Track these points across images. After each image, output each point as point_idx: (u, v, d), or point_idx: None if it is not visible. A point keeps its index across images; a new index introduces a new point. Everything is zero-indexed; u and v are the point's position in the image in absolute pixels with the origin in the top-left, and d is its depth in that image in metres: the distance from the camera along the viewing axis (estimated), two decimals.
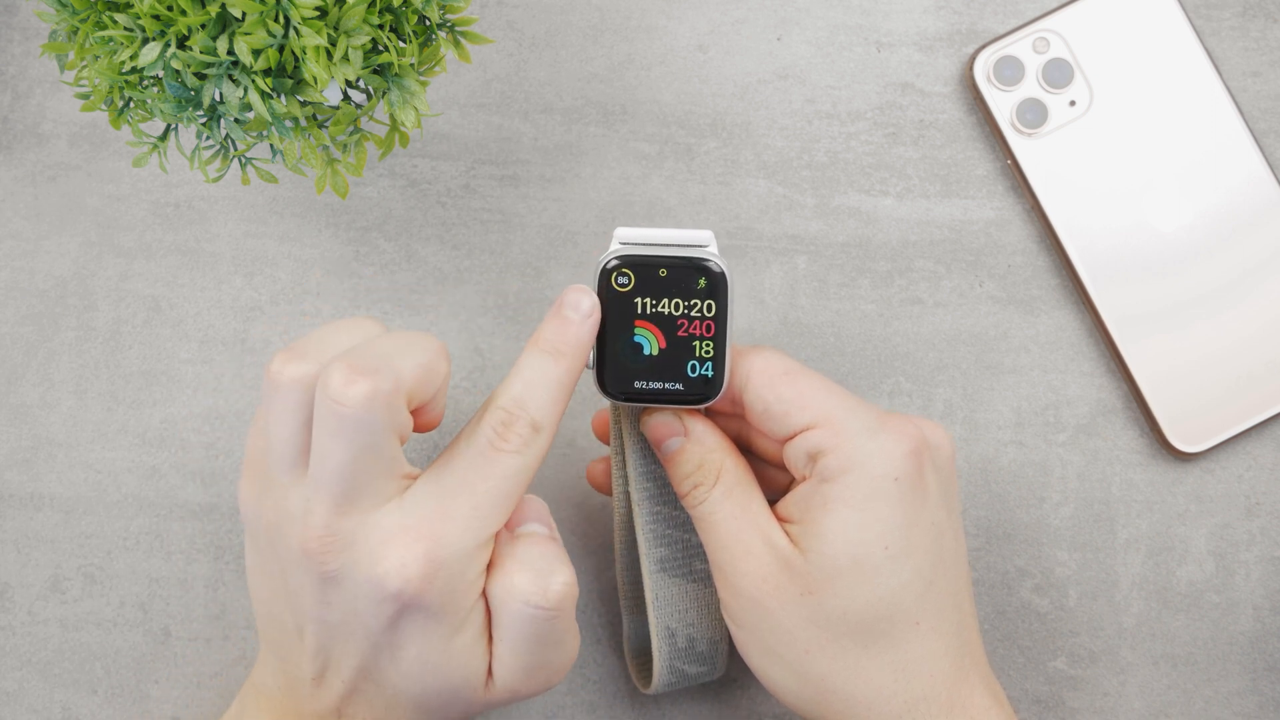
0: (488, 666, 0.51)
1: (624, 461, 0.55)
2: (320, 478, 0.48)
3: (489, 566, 0.50)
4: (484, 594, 0.50)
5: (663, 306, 0.51)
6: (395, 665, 0.50)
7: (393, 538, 0.48)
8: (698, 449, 0.52)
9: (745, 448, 0.55)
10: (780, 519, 0.52)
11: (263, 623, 0.53)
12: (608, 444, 0.58)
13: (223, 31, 0.48)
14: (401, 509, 0.49)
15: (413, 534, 0.48)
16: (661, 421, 0.53)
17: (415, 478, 0.50)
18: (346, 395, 0.47)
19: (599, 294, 0.51)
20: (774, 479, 0.55)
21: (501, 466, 0.49)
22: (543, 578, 0.50)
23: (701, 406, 0.52)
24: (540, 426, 0.50)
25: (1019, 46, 0.63)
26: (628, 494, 0.56)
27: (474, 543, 0.49)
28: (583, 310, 0.51)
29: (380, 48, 0.50)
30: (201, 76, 0.49)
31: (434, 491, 0.49)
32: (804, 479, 0.52)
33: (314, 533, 0.49)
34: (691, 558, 0.55)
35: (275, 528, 0.50)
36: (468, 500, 0.49)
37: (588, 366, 0.52)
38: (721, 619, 0.56)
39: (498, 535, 0.51)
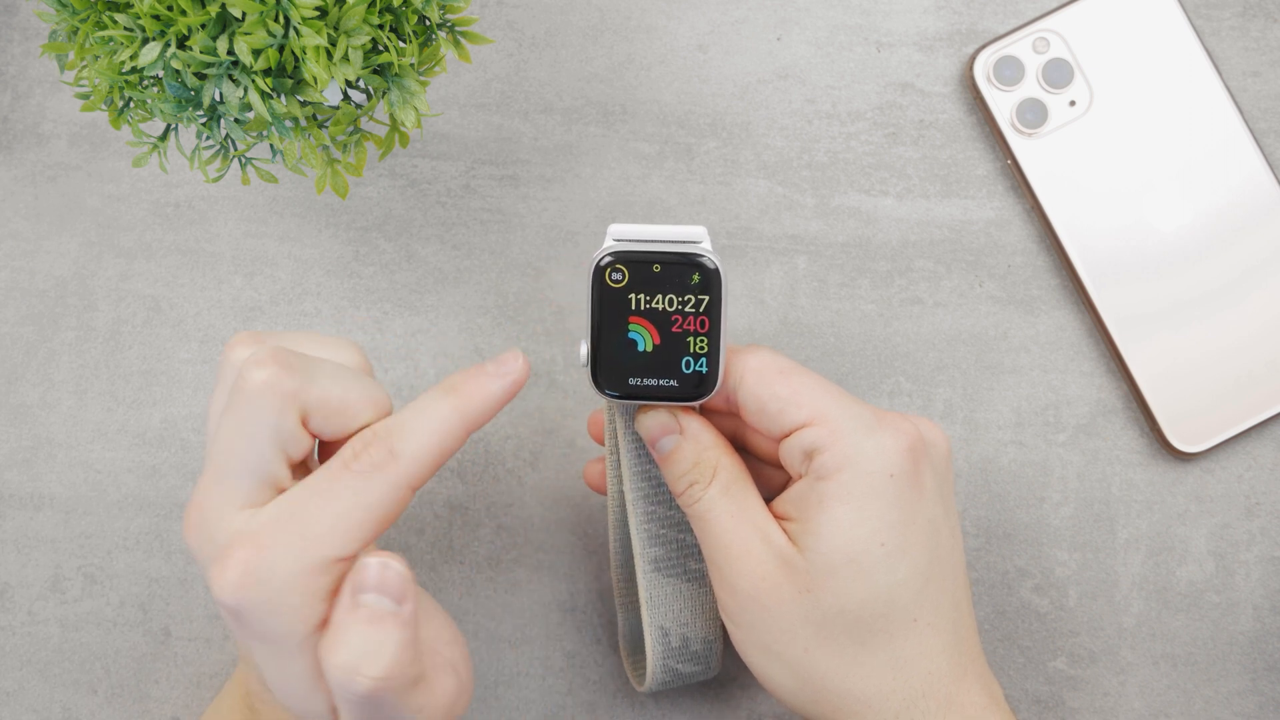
0: (332, 708, 0.48)
1: (619, 461, 0.55)
2: (208, 452, 0.48)
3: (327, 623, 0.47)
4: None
5: (657, 302, 0.51)
6: (260, 669, 0.48)
7: (228, 543, 0.46)
8: (693, 447, 0.52)
9: (740, 446, 0.55)
10: (777, 517, 0.52)
11: None
12: (604, 445, 0.58)
13: (223, 31, 0.48)
14: (247, 517, 0.47)
15: (240, 543, 0.46)
16: (657, 420, 0.53)
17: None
18: (249, 374, 0.46)
19: (594, 290, 0.51)
20: (770, 477, 0.55)
21: (345, 487, 0.46)
22: (354, 665, 0.45)
23: (696, 404, 0.52)
24: (398, 454, 0.47)
25: (1019, 46, 0.63)
26: (622, 493, 0.56)
27: (297, 564, 0.45)
28: (503, 366, 0.49)
29: (380, 48, 0.50)
30: (201, 76, 0.49)
31: (279, 505, 0.47)
32: (800, 477, 0.52)
33: (190, 503, 0.48)
34: (686, 557, 0.55)
35: None
36: (300, 518, 0.46)
37: (582, 365, 0.52)
38: (716, 618, 0.56)
39: (341, 589, 0.46)
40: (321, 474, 0.47)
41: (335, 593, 0.46)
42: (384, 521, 0.47)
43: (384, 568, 0.46)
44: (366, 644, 0.45)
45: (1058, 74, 0.63)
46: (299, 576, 0.46)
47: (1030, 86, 0.63)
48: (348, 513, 0.46)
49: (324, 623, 0.46)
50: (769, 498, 0.53)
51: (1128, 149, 0.63)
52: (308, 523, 0.46)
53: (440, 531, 0.62)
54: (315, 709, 0.48)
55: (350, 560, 0.46)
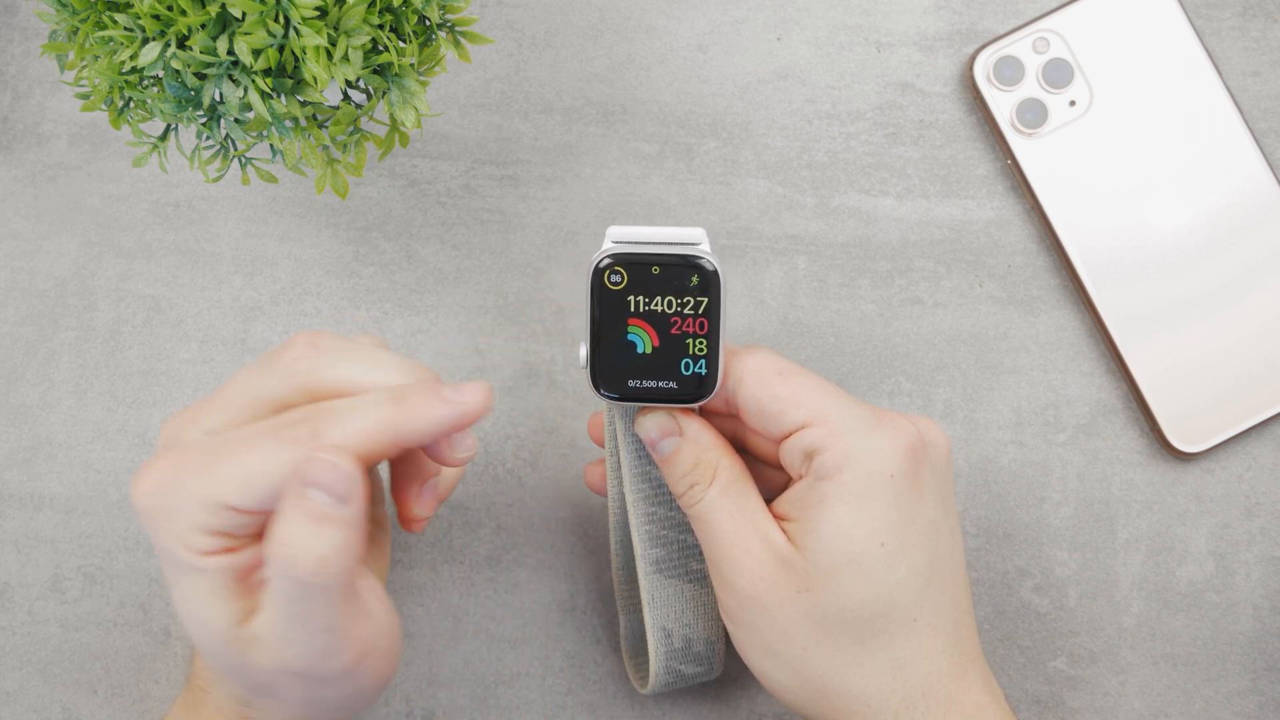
0: (234, 619, 0.48)
1: (619, 463, 0.55)
2: (226, 387, 0.51)
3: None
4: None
5: (656, 304, 0.51)
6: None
7: (161, 451, 0.49)
8: (693, 448, 0.52)
9: (740, 447, 0.55)
10: (777, 517, 0.52)
11: None
12: (604, 447, 0.58)
13: (223, 31, 0.48)
14: (191, 440, 0.49)
15: (167, 455, 0.48)
16: (656, 422, 0.53)
17: None
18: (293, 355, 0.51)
19: (592, 292, 0.51)
20: (770, 478, 0.55)
21: (263, 448, 0.47)
22: (292, 553, 0.46)
23: (695, 405, 0.52)
24: (319, 440, 0.47)
25: (1019, 46, 0.63)
26: (623, 495, 0.56)
27: (196, 495, 0.47)
28: (460, 394, 0.49)
29: (380, 48, 0.50)
30: (201, 76, 0.49)
31: (212, 437, 0.49)
32: (800, 477, 0.52)
33: (182, 412, 0.51)
34: (687, 558, 0.55)
35: None
36: (218, 457, 0.47)
37: (581, 367, 0.52)
38: (718, 619, 0.56)
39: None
40: (257, 427, 0.49)
41: (222, 534, 0.48)
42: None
43: (332, 468, 0.47)
44: (304, 536, 0.46)
45: (1058, 74, 0.63)
46: (192, 505, 0.47)
47: (1030, 86, 0.63)
48: (257, 471, 0.47)
49: (205, 555, 0.48)
50: (769, 498, 0.53)
51: (1128, 149, 0.63)
52: (221, 464, 0.47)
53: (440, 531, 0.62)
54: (213, 621, 0.48)
55: (246, 513, 0.48)
